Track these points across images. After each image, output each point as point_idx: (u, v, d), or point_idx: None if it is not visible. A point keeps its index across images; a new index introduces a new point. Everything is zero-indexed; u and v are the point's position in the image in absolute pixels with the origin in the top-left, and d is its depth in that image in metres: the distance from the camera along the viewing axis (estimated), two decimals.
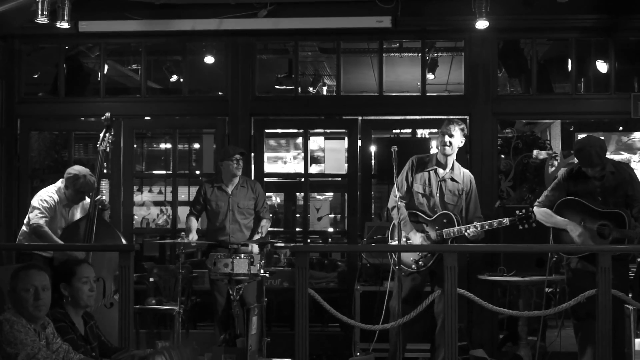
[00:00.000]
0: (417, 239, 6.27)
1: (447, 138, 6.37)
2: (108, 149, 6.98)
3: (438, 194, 6.36)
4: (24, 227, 6.87)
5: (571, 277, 6.15)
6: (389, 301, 6.43)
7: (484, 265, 7.55)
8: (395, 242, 6.24)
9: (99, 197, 6.81)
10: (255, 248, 6.98)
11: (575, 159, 6.26)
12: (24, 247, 6.53)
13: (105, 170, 6.96)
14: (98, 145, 6.93)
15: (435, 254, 6.20)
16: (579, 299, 5.43)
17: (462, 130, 6.40)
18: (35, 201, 6.77)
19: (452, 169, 6.42)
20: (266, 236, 7.29)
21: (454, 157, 6.48)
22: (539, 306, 7.06)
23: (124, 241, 6.92)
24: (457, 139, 6.39)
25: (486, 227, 6.14)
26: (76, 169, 6.89)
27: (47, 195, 6.81)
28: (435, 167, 6.43)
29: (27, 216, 6.88)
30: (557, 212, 6.10)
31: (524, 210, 6.08)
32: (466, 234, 6.14)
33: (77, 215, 6.96)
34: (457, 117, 8.00)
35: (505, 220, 6.11)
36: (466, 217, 6.38)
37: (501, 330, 7.94)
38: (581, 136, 8.78)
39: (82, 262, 4.82)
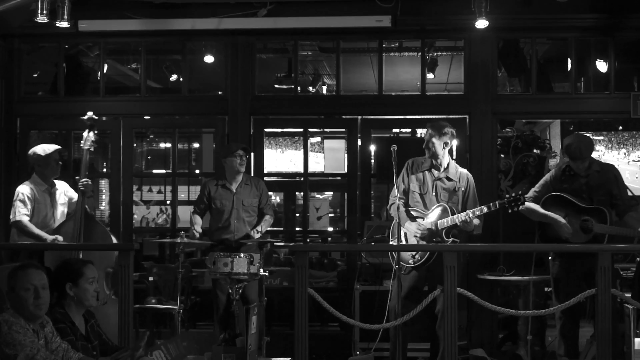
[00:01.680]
0: (412, 227, 6.30)
1: (424, 145, 6.46)
2: (92, 148, 6.83)
3: (434, 193, 6.38)
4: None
5: (557, 272, 6.41)
6: (391, 301, 6.43)
7: (483, 265, 7.55)
8: (396, 241, 6.25)
9: (84, 180, 6.64)
10: (261, 229, 7.04)
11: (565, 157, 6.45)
12: (24, 247, 6.50)
13: (86, 171, 6.74)
14: (82, 145, 6.81)
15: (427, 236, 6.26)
16: (578, 299, 5.45)
17: (444, 134, 6.39)
18: (14, 199, 6.69)
19: (447, 168, 6.44)
20: (265, 235, 7.29)
21: (446, 157, 6.48)
22: (538, 306, 7.06)
23: (113, 238, 6.83)
24: (437, 143, 6.39)
25: (477, 212, 6.13)
26: (32, 149, 6.82)
27: (22, 188, 6.68)
28: (431, 167, 6.44)
29: None
30: (543, 207, 6.37)
31: (513, 194, 6.14)
32: (457, 222, 6.15)
33: (61, 199, 6.86)
34: (456, 116, 8.09)
35: (495, 204, 6.12)
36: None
37: (501, 330, 7.94)
38: None
39: (88, 263, 4.80)
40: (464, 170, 6.55)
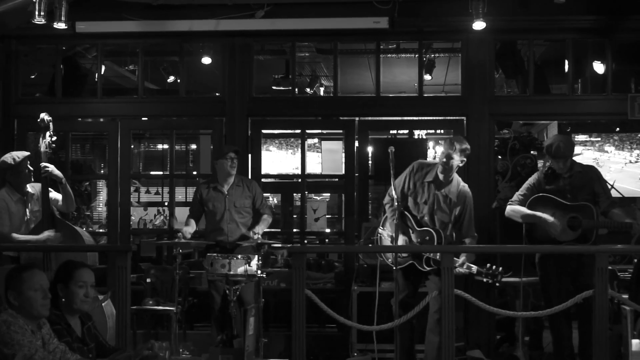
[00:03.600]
0: (400, 241, 6.24)
1: (444, 159, 6.25)
2: (49, 150, 6.48)
3: (429, 205, 6.33)
4: None
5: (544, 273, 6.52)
6: (390, 298, 6.42)
7: (481, 266, 7.54)
8: (385, 232, 6.24)
9: (44, 169, 6.32)
10: (259, 230, 6.99)
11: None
12: (22, 247, 6.44)
13: (45, 159, 6.39)
14: (39, 147, 6.49)
15: (410, 255, 6.23)
16: (576, 300, 5.45)
17: (463, 152, 6.24)
18: None
19: (449, 184, 6.33)
20: (263, 237, 7.28)
21: (453, 174, 6.38)
22: (535, 307, 7.06)
23: (87, 238, 6.57)
24: (457, 160, 6.24)
25: (465, 267, 6.00)
26: (1, 158, 6.48)
27: None
28: (434, 180, 6.35)
29: None
30: (530, 208, 6.47)
31: (493, 267, 5.95)
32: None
33: (35, 207, 6.49)
34: (454, 118, 8.11)
35: (472, 268, 5.99)
36: (459, 233, 6.34)
37: (498, 331, 7.94)
38: (577, 137, 8.87)
39: (82, 266, 4.76)
40: (465, 188, 6.39)
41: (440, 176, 6.33)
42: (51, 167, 6.38)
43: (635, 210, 7.91)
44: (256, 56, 8.67)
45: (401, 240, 6.21)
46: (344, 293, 7.81)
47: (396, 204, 6.18)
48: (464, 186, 6.42)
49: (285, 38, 8.58)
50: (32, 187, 6.52)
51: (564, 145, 6.39)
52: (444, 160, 6.24)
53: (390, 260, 6.25)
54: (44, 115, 6.50)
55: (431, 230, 6.25)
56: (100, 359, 4.64)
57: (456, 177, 6.41)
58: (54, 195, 6.51)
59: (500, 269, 5.96)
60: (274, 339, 7.11)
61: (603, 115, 8.38)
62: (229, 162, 7.15)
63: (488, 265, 5.99)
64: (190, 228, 7.10)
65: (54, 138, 6.56)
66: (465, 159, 6.32)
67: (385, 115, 8.53)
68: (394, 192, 6.23)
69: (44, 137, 6.47)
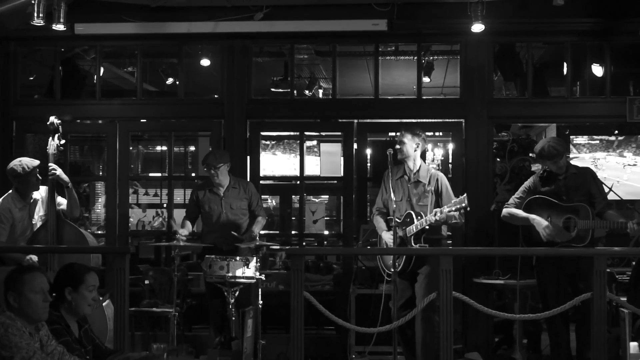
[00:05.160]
0: (386, 236, 6.37)
1: (397, 145, 6.47)
2: (56, 152, 6.50)
3: (407, 199, 6.38)
4: None
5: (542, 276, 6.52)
6: (385, 303, 6.44)
7: (479, 269, 7.55)
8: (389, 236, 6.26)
9: (51, 172, 6.35)
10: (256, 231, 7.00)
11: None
12: (23, 249, 6.44)
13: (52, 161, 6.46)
14: (47, 149, 6.53)
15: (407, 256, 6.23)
16: (574, 302, 5.45)
17: (416, 135, 6.45)
18: None
19: (417, 172, 6.45)
20: (262, 238, 7.29)
21: (417, 160, 6.48)
22: (534, 309, 7.07)
23: (91, 240, 6.58)
24: (409, 144, 6.42)
25: (439, 213, 6.04)
26: (11, 165, 6.47)
27: (1, 206, 6.40)
28: (403, 174, 6.48)
29: None
30: (526, 210, 6.49)
31: (459, 197, 6.02)
32: (427, 226, 6.12)
33: (41, 212, 6.52)
34: (452, 120, 8.12)
35: (446, 210, 6.02)
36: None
37: (496, 334, 7.94)
38: (576, 139, 8.87)
39: (91, 271, 4.77)
40: (434, 171, 6.57)
41: (405, 168, 6.47)
42: (59, 171, 6.42)
43: (633, 212, 7.93)
44: (255, 58, 8.67)
45: (387, 235, 6.32)
46: (343, 295, 7.81)
47: (376, 211, 6.24)
48: (435, 170, 6.59)
49: (284, 40, 8.58)
50: (38, 192, 6.54)
51: (552, 146, 6.42)
52: (397, 147, 6.44)
53: (390, 262, 6.26)
54: (53, 118, 6.57)
55: (409, 212, 6.29)
56: None
57: (425, 166, 6.55)
58: (59, 199, 6.52)
59: (465, 195, 5.99)
60: (272, 341, 7.10)
61: (601, 117, 8.37)
62: (212, 172, 7.09)
63: (453, 201, 6.05)
64: (185, 230, 7.08)
65: (63, 141, 6.63)
66: (418, 142, 6.45)
67: (384, 117, 8.52)
68: (383, 197, 6.27)
69: (53, 140, 6.52)
